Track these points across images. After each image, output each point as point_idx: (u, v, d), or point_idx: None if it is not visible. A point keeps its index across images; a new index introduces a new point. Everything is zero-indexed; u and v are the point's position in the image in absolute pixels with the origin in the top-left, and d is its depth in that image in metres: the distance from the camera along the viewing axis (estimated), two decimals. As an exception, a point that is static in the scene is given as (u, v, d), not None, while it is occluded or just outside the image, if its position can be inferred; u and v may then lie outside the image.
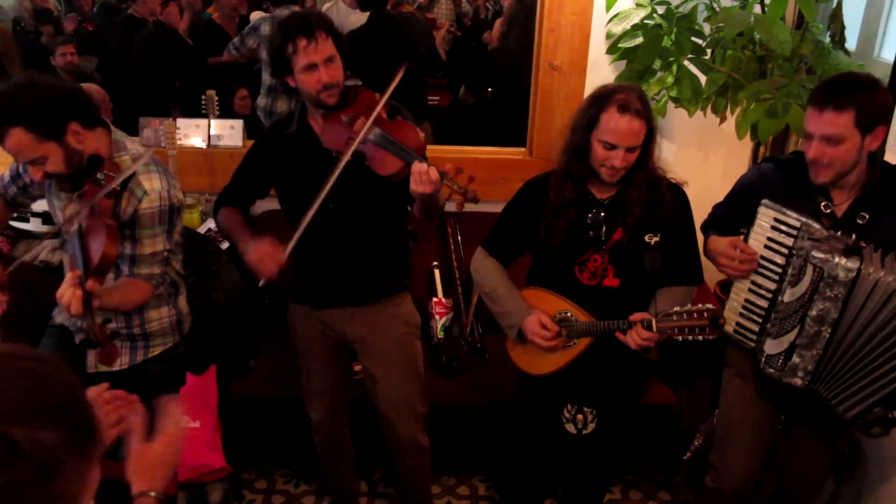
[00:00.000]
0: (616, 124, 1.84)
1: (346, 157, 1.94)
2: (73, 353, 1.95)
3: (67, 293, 1.62)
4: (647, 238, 1.97)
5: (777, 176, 1.95)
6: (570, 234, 1.99)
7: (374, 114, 1.95)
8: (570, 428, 2.14)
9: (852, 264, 1.74)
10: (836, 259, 1.76)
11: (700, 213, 2.35)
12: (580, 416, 2.12)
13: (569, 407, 2.13)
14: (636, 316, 1.93)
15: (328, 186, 1.93)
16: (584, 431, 2.13)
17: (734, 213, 2.07)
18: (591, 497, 2.48)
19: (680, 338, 1.88)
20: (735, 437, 2.16)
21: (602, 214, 1.98)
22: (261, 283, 1.96)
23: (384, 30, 3.96)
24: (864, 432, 1.88)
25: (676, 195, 2.01)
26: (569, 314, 2.03)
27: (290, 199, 2.12)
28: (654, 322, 1.90)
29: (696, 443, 2.61)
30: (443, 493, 2.82)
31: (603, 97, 1.89)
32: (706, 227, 2.17)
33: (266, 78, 3.82)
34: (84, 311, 1.63)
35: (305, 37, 1.88)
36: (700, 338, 1.86)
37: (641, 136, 1.87)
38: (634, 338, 1.91)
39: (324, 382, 2.32)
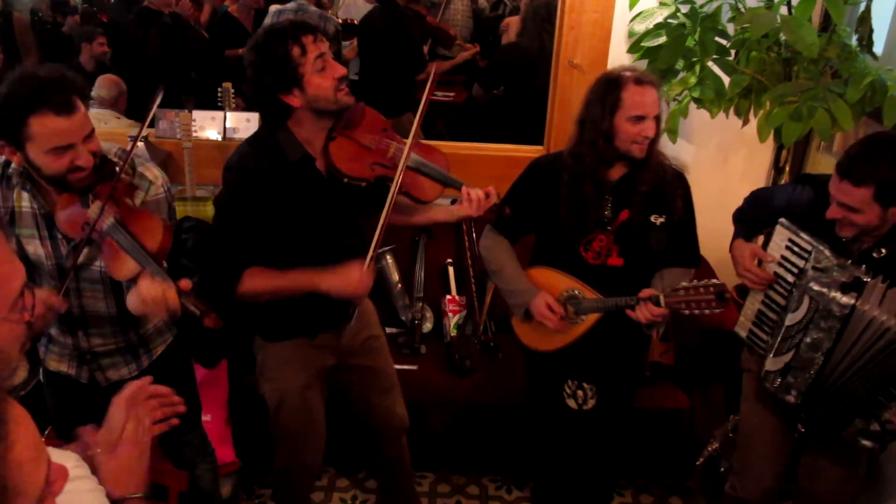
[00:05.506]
0: (641, 96, 1.93)
1: (396, 187, 1.82)
2: (75, 396, 1.95)
3: (169, 294, 1.55)
4: (652, 219, 2.05)
5: (809, 204, 1.91)
6: (577, 215, 2.05)
7: (412, 136, 1.84)
8: (572, 403, 2.18)
9: (847, 300, 1.76)
10: (832, 294, 1.78)
11: (718, 215, 2.34)
12: (580, 392, 2.17)
13: (570, 382, 2.18)
14: (645, 292, 2.00)
15: (381, 223, 1.81)
16: (585, 407, 2.17)
17: (762, 221, 2.09)
18: (599, 491, 2.47)
19: (687, 312, 1.94)
20: (755, 442, 2.15)
21: (609, 196, 2.04)
22: (355, 314, 1.95)
23: (382, 21, 3.99)
24: (854, 445, 1.89)
25: (680, 179, 2.10)
26: (576, 292, 2.10)
27: (287, 236, 1.91)
28: (661, 298, 1.96)
29: (710, 448, 2.59)
30: (452, 493, 2.80)
31: (615, 79, 1.97)
32: (737, 218, 2.16)
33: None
34: (182, 305, 1.58)
35: (310, 33, 1.79)
36: (707, 311, 1.92)
37: (659, 103, 1.96)
38: (644, 313, 1.97)
39: (318, 416, 2.18)
